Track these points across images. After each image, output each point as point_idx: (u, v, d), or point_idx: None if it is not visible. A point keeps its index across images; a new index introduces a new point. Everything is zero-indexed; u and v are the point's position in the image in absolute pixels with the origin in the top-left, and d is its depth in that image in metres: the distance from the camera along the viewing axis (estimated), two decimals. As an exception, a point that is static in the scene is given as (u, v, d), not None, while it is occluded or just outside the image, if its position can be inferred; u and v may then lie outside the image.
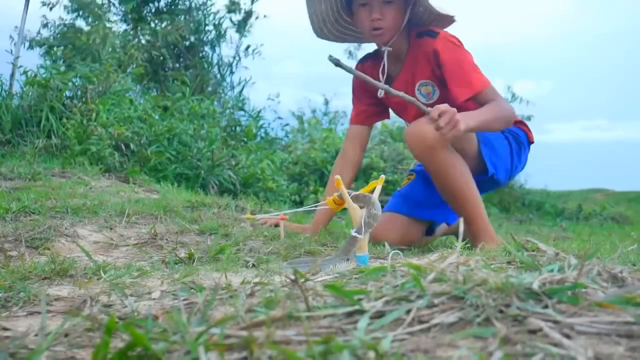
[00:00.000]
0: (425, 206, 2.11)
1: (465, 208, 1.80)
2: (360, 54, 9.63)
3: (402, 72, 2.00)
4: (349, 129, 2.24)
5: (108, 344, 0.56)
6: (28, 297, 0.98)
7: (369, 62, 2.12)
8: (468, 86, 1.83)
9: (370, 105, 2.15)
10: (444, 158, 1.77)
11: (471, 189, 1.81)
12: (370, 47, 2.16)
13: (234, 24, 7.43)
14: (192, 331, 0.60)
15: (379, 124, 8.36)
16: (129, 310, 0.85)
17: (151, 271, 1.25)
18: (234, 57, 7.42)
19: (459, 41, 1.93)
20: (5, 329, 0.81)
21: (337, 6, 1.99)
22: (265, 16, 7.54)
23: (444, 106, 1.61)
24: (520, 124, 2.13)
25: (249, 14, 7.44)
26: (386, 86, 1.75)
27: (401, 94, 1.72)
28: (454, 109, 1.62)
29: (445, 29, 1.96)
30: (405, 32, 1.97)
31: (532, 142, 2.15)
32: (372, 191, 1.43)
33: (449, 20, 1.96)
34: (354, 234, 1.35)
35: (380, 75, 1.99)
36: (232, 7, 7.35)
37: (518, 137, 2.07)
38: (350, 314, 0.66)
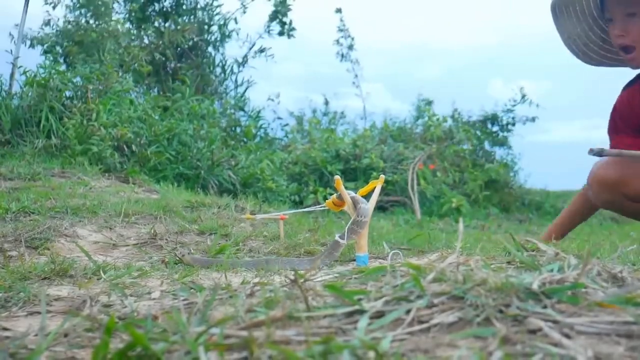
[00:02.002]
0: None
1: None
2: (355, 55, 9.59)
3: None
4: None
5: (108, 344, 0.56)
6: (28, 297, 0.98)
7: (638, 85, 1.80)
8: None
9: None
10: None
11: None
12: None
13: (281, 25, 7.46)
14: (192, 331, 0.60)
15: (379, 124, 8.36)
16: (129, 310, 0.85)
17: (151, 271, 1.25)
18: (244, 57, 7.44)
19: None
20: (5, 329, 0.81)
21: (596, 27, 1.70)
22: (293, 28, 7.60)
23: None
24: None
25: (275, 16, 7.48)
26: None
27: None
28: None
29: None
30: None
31: None
32: (372, 191, 1.43)
33: None
34: (337, 239, 1.36)
35: None
36: (282, 10, 7.42)
37: None
38: (350, 314, 0.66)
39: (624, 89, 1.82)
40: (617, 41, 1.63)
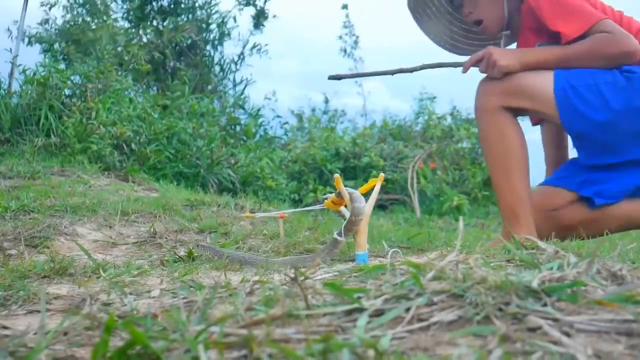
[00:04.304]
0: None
1: (495, 189, 1.73)
2: (358, 53, 9.63)
3: (519, 46, 1.86)
4: None
5: (107, 343, 0.56)
6: (27, 295, 0.98)
7: None
8: (569, 23, 1.61)
9: None
10: (488, 122, 1.68)
11: (501, 171, 1.68)
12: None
13: (252, 18, 7.43)
14: (191, 329, 0.60)
15: (379, 122, 8.35)
16: (129, 308, 0.85)
17: (150, 270, 1.25)
18: (239, 56, 7.42)
19: None
20: (5, 327, 0.81)
21: (455, 20, 1.94)
22: (275, 16, 7.56)
23: (480, 52, 1.62)
24: None
25: (261, 12, 7.45)
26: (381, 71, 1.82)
27: (419, 66, 1.75)
28: (487, 49, 1.61)
29: None
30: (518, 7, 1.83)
31: None
32: (372, 189, 1.43)
33: None
34: (335, 236, 1.36)
35: None
36: (248, 1, 7.38)
37: (632, 73, 1.60)
38: (349, 312, 0.66)
39: None
40: (468, 19, 1.84)
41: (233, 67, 7.40)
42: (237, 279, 1.14)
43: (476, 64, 1.68)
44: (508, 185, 1.69)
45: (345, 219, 1.44)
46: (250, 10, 7.47)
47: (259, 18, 7.46)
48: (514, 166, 1.69)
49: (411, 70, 1.80)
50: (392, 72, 1.79)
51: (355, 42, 9.39)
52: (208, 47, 7.31)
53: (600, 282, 0.73)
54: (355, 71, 9.39)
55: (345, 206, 1.45)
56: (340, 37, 9.41)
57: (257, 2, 7.43)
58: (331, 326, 0.62)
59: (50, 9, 6.46)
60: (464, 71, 1.72)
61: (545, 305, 0.63)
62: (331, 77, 1.75)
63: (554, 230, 1.67)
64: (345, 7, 9.36)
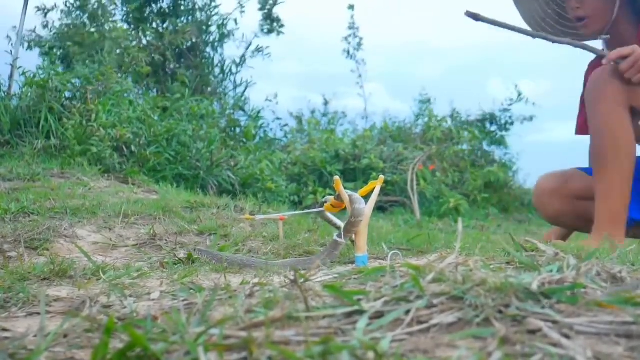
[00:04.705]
0: None
1: (600, 182, 1.64)
2: (360, 54, 9.63)
3: None
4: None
5: (107, 345, 0.56)
6: (27, 298, 0.98)
7: (598, 61, 1.88)
8: None
9: None
10: (604, 111, 1.62)
11: (608, 165, 1.63)
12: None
13: (266, 23, 7.47)
14: (191, 332, 0.60)
15: (379, 124, 8.35)
16: (128, 310, 0.85)
17: (150, 272, 1.25)
18: (241, 58, 7.42)
19: None
20: (5, 329, 0.81)
21: (552, 3, 1.91)
22: (282, 25, 7.59)
23: (628, 48, 1.56)
24: None
25: (277, 19, 7.49)
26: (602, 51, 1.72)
27: (566, 40, 1.70)
28: (637, 48, 1.55)
29: None
30: (631, 18, 1.80)
31: None
32: (372, 191, 1.43)
33: None
34: (335, 238, 1.36)
35: None
36: (264, 5, 7.44)
37: None
38: (349, 315, 0.66)
39: (589, 65, 2.00)
40: (573, 13, 1.82)
41: (233, 69, 7.40)
42: (237, 281, 1.14)
43: (620, 59, 1.62)
44: (620, 186, 1.64)
45: (334, 227, 1.44)
46: (258, 14, 7.52)
47: (273, 23, 7.49)
48: (627, 164, 1.65)
49: (554, 41, 1.75)
50: (535, 35, 1.74)
51: (359, 44, 9.38)
52: (208, 49, 7.32)
53: (600, 284, 0.73)
54: (357, 72, 9.41)
55: (344, 209, 1.45)
56: (346, 39, 9.40)
57: (274, 13, 7.47)
58: (331, 328, 0.62)
59: (46, 15, 6.46)
60: (606, 61, 1.67)
61: (545, 307, 0.63)
62: (468, 14, 1.65)
63: (573, 218, 1.68)
64: (351, 7, 9.36)
